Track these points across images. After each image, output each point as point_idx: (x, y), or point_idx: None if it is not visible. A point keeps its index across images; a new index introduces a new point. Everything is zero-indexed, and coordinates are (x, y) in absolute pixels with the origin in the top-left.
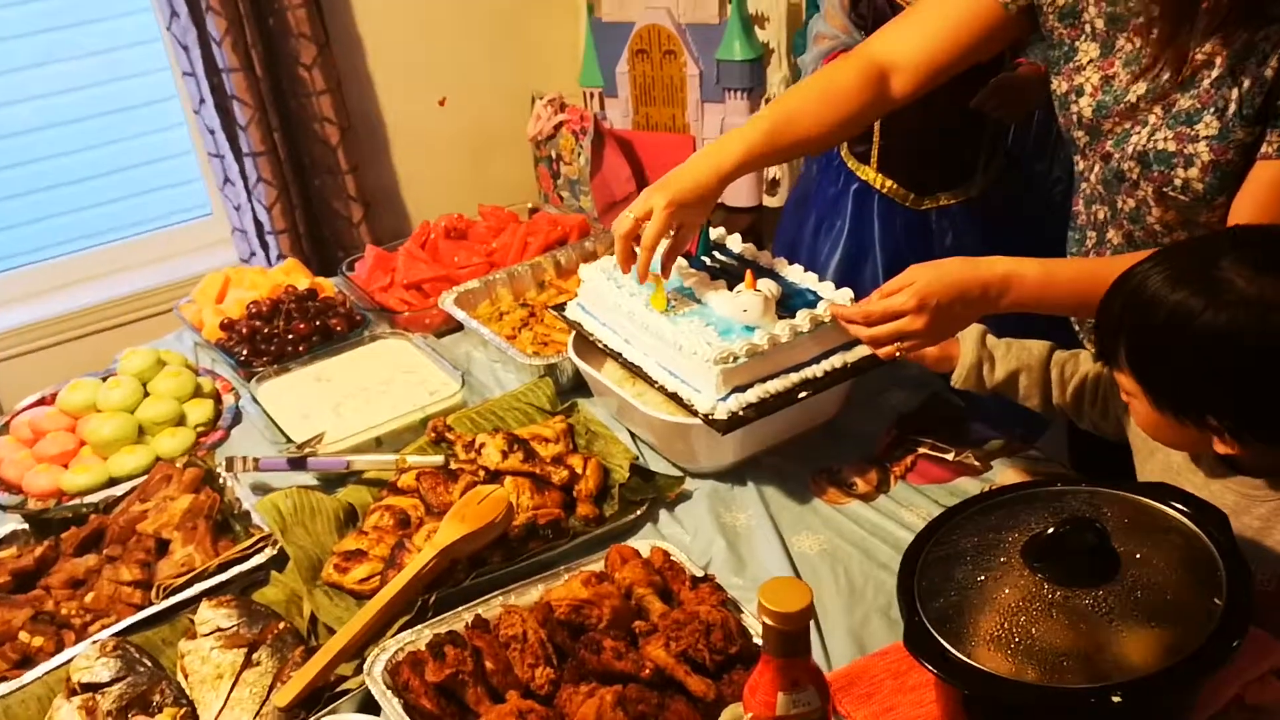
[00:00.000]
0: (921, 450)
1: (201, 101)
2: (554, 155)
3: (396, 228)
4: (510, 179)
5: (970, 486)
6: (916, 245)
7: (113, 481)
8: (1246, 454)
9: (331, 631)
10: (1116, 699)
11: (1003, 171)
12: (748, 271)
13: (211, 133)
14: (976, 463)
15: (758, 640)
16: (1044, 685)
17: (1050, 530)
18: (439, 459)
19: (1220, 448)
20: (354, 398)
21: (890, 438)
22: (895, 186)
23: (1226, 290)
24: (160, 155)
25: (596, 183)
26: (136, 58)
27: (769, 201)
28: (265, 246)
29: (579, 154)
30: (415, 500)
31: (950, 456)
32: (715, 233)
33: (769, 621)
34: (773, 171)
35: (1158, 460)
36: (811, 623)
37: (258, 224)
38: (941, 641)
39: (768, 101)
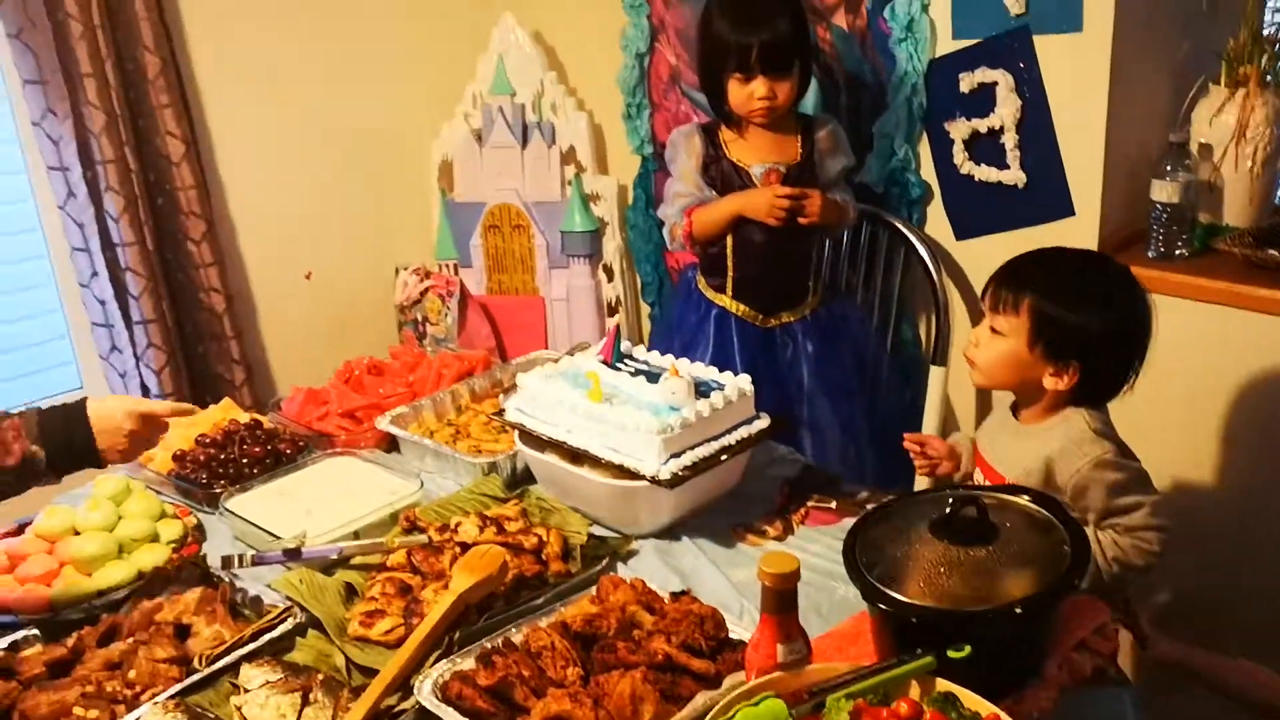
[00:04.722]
0: (810, 504)
1: (93, 275)
2: (420, 318)
3: (265, 392)
4: (369, 344)
5: None
6: (765, 357)
7: (100, 594)
8: (1065, 392)
9: (366, 674)
10: (1019, 611)
11: (826, 293)
12: (672, 364)
13: (102, 303)
14: (855, 506)
15: (734, 635)
16: (969, 610)
17: (948, 510)
18: (423, 538)
19: (1056, 382)
20: (321, 504)
21: (784, 497)
22: (747, 310)
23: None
24: (28, 341)
25: (463, 340)
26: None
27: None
28: None
29: (446, 314)
30: (407, 573)
31: (833, 506)
32: (625, 344)
33: (768, 583)
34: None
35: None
36: None
37: (144, 389)
38: (888, 592)
39: (605, 266)
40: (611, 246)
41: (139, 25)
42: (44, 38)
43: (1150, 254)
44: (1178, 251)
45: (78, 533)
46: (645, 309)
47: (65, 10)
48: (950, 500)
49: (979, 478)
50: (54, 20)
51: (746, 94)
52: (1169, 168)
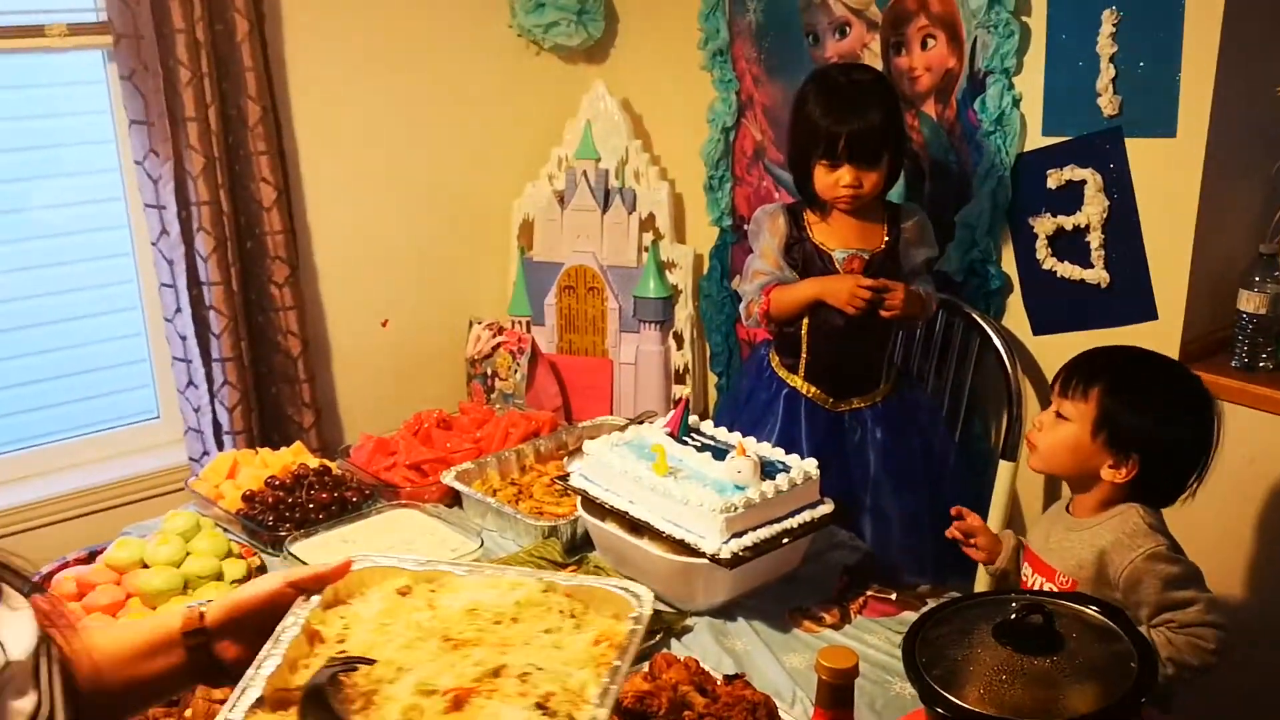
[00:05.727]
0: (869, 593)
1: (177, 310)
2: (489, 372)
3: (332, 435)
4: (438, 394)
5: (912, 618)
6: (832, 440)
7: None
8: (1121, 487)
9: None
10: None
11: (898, 381)
12: (740, 443)
13: (183, 339)
14: (915, 600)
15: None
16: None
17: (1013, 615)
18: None
19: (1114, 474)
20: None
21: (842, 584)
22: (818, 392)
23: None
24: (112, 363)
25: (530, 397)
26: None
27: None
28: (221, 446)
29: (515, 371)
30: None
31: (893, 597)
32: (693, 419)
33: (826, 678)
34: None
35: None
36: None
37: (216, 424)
38: (948, 696)
39: (675, 334)
40: (683, 314)
41: (245, 75)
42: (154, 82)
43: (1233, 364)
44: (1261, 363)
45: (146, 565)
46: (713, 379)
47: (176, 57)
48: (1015, 605)
49: (1027, 572)
50: (165, 66)
51: (832, 180)
52: (1257, 279)
